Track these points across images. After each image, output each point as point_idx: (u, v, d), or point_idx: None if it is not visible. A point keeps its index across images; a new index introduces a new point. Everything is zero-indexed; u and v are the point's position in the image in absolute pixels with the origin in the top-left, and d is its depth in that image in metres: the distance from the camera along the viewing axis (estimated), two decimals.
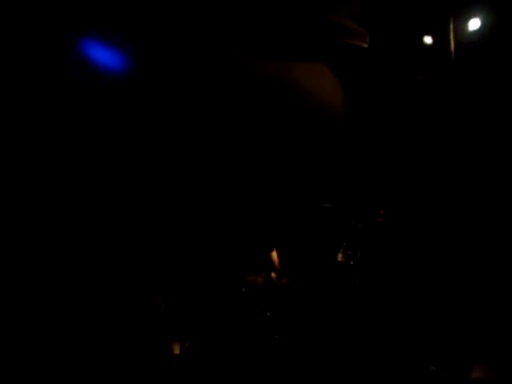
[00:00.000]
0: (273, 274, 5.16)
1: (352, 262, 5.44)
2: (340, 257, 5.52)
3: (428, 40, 6.47)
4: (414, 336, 5.08)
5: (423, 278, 5.46)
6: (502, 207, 5.73)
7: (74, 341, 3.58)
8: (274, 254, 5.24)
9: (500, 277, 5.45)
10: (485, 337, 5.14)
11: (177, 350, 4.66)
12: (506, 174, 5.82)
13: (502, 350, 5.01)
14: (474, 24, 6.14)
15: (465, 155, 6.08)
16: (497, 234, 5.62)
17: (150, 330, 3.82)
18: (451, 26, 6.22)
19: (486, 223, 5.73)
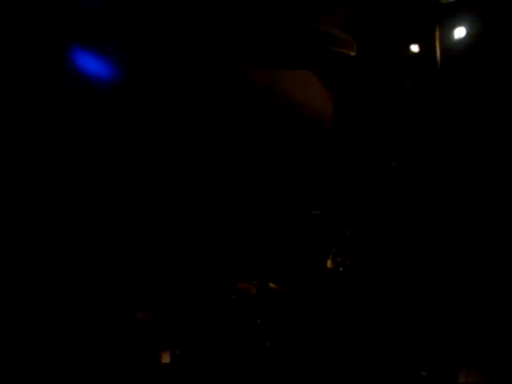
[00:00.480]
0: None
1: (341, 269, 5.46)
2: (329, 263, 5.53)
3: (414, 48, 6.51)
4: (403, 341, 5.10)
5: (412, 283, 5.48)
6: (488, 218, 5.77)
7: (64, 350, 3.59)
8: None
9: (487, 282, 5.48)
10: (473, 341, 5.16)
11: (167, 359, 4.65)
12: (493, 181, 5.87)
13: (491, 355, 5.03)
14: (460, 32, 6.19)
15: (452, 162, 6.12)
16: (482, 244, 5.66)
17: (139, 343, 3.85)
18: (437, 35, 6.27)
19: (472, 232, 5.77)
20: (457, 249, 5.66)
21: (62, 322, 4.03)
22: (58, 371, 3.79)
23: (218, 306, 4.86)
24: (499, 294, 5.36)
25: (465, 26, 6.13)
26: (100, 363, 3.88)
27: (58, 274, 4.30)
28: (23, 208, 4.51)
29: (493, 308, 5.30)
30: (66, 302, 4.14)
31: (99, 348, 3.94)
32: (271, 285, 5.22)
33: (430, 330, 5.19)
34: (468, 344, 5.11)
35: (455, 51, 6.24)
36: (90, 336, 4.00)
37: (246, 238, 5.47)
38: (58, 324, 4.02)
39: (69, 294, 4.20)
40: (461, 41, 6.17)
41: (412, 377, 4.87)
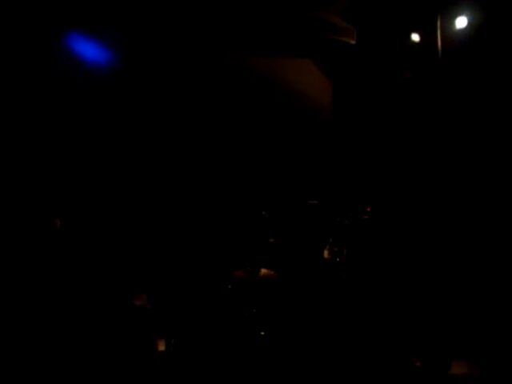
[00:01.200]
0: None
1: (338, 259, 5.44)
2: (326, 253, 5.52)
3: (415, 37, 6.47)
4: (398, 331, 5.10)
5: (408, 274, 5.48)
6: (487, 206, 5.76)
7: (60, 339, 3.57)
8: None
9: (484, 275, 5.48)
10: (470, 333, 5.17)
11: (162, 347, 4.64)
12: (492, 172, 5.85)
13: (488, 347, 5.04)
14: (461, 22, 6.15)
15: (452, 152, 6.10)
16: (480, 232, 5.65)
17: (135, 330, 3.84)
18: (438, 24, 6.23)
19: (470, 220, 5.76)
20: (450, 241, 5.65)
21: (58, 309, 4.03)
22: (52, 357, 3.79)
23: (213, 295, 4.85)
24: (491, 288, 5.36)
25: (466, 15, 6.09)
26: (96, 350, 3.88)
27: (53, 261, 4.29)
28: (22, 198, 4.50)
29: (485, 302, 5.31)
30: (62, 289, 4.14)
31: (95, 335, 3.94)
32: (265, 270, 5.20)
33: (425, 320, 5.19)
34: (460, 336, 5.12)
35: (456, 41, 6.20)
36: (86, 323, 4.00)
37: (243, 227, 5.45)
38: (54, 311, 4.02)
39: (65, 281, 4.20)
40: (462, 30, 6.13)
41: (406, 366, 4.88)
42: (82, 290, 4.17)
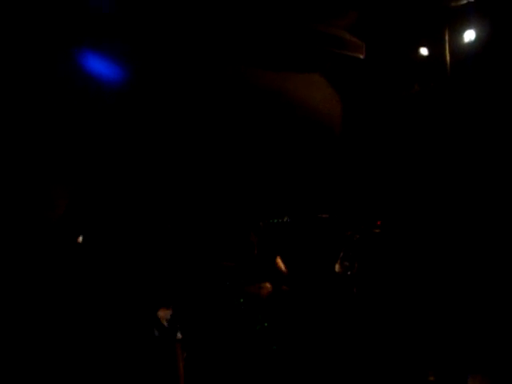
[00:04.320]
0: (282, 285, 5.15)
1: (349, 273, 5.44)
2: (337, 267, 5.52)
3: (424, 51, 6.49)
4: (411, 345, 5.07)
5: (420, 288, 5.45)
6: (502, 218, 5.74)
7: (84, 350, 3.58)
8: (279, 262, 5.24)
9: (501, 289, 5.43)
10: (483, 348, 5.13)
11: None
12: (505, 184, 5.84)
13: (500, 362, 4.99)
14: (470, 35, 6.17)
15: (462, 166, 6.09)
16: (496, 245, 5.62)
17: (161, 345, 3.82)
18: (446, 38, 6.25)
19: (484, 230, 5.73)
20: (464, 254, 5.62)
21: (81, 323, 4.08)
22: (76, 371, 3.85)
23: (225, 310, 4.85)
24: (508, 302, 5.32)
25: (474, 28, 6.11)
26: (120, 363, 3.92)
27: (77, 276, 4.34)
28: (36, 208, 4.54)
29: (501, 316, 5.27)
30: (85, 303, 4.19)
31: (119, 347, 3.98)
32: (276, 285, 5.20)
33: (439, 335, 5.16)
34: (476, 350, 5.08)
35: (465, 54, 6.22)
36: (111, 336, 4.04)
37: (254, 240, 5.45)
38: (77, 324, 4.07)
39: (88, 295, 4.25)
40: (470, 44, 6.15)
41: (421, 381, 4.85)
42: (106, 303, 4.21)
